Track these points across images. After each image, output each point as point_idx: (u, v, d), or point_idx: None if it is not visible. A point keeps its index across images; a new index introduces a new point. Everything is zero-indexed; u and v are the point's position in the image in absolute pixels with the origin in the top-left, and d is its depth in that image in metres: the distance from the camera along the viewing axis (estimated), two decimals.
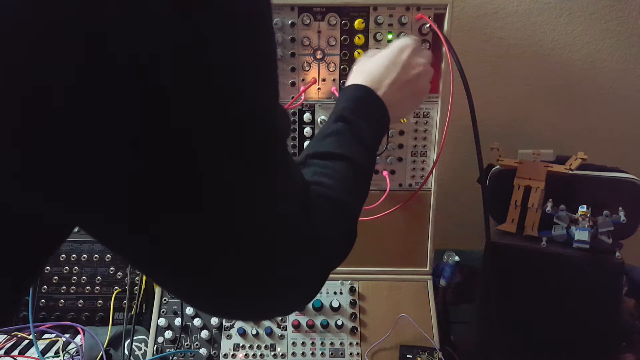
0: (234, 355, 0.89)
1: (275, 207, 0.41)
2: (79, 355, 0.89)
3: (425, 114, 0.90)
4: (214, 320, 0.90)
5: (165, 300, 0.93)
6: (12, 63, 0.27)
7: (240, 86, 0.35)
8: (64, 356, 0.89)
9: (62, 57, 0.28)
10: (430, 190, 0.92)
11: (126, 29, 0.28)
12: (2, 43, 0.27)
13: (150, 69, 0.30)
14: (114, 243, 0.39)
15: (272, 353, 0.89)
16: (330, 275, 0.51)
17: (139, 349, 0.92)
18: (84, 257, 1.01)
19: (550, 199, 0.88)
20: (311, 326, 0.91)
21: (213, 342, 0.90)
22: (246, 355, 0.89)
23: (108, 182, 0.32)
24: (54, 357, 0.89)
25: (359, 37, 0.85)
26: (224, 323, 0.91)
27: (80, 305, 1.00)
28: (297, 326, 0.91)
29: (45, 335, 0.94)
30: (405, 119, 0.90)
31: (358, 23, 0.84)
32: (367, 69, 0.70)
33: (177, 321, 0.90)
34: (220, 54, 0.33)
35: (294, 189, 0.44)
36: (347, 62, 0.87)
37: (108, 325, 0.96)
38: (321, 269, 0.49)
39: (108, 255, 1.01)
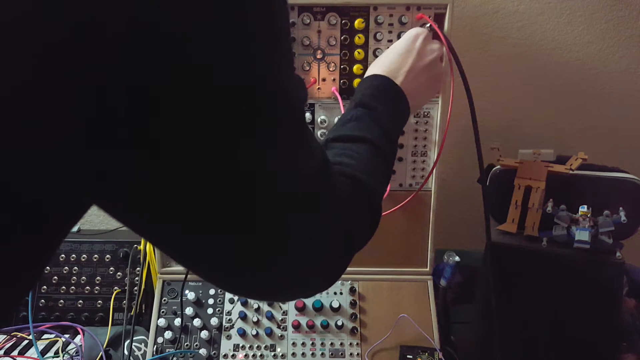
0: (233, 356, 0.88)
1: (297, 172, 0.41)
2: (78, 355, 0.89)
3: (426, 113, 0.90)
4: (214, 321, 0.90)
5: (165, 300, 0.93)
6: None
7: (256, 60, 0.35)
8: (63, 356, 0.89)
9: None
10: (431, 190, 0.92)
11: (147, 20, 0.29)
12: None
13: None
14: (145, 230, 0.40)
15: (272, 353, 0.89)
16: None
17: (139, 349, 0.92)
18: (83, 257, 1.01)
19: (551, 199, 0.88)
20: (311, 326, 0.91)
21: (213, 342, 0.90)
22: (246, 355, 0.88)
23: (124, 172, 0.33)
24: (53, 357, 0.89)
25: (359, 37, 0.85)
26: (224, 323, 0.91)
27: (79, 305, 1.00)
28: (297, 326, 0.91)
29: (45, 336, 0.94)
30: None
31: (358, 23, 0.84)
32: (383, 60, 0.70)
33: (177, 321, 0.90)
34: (233, 33, 0.33)
35: (313, 156, 0.43)
36: (347, 62, 0.86)
37: (108, 326, 0.96)
38: (344, 244, 0.48)
39: (108, 256, 1.01)
